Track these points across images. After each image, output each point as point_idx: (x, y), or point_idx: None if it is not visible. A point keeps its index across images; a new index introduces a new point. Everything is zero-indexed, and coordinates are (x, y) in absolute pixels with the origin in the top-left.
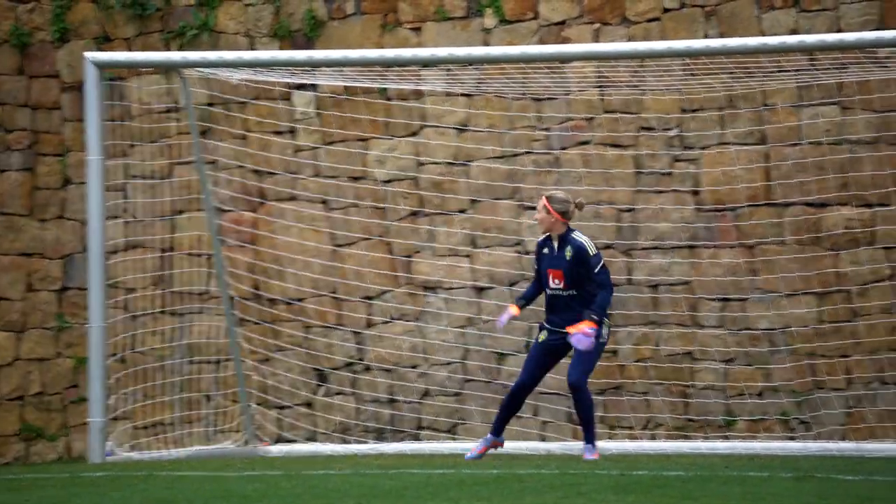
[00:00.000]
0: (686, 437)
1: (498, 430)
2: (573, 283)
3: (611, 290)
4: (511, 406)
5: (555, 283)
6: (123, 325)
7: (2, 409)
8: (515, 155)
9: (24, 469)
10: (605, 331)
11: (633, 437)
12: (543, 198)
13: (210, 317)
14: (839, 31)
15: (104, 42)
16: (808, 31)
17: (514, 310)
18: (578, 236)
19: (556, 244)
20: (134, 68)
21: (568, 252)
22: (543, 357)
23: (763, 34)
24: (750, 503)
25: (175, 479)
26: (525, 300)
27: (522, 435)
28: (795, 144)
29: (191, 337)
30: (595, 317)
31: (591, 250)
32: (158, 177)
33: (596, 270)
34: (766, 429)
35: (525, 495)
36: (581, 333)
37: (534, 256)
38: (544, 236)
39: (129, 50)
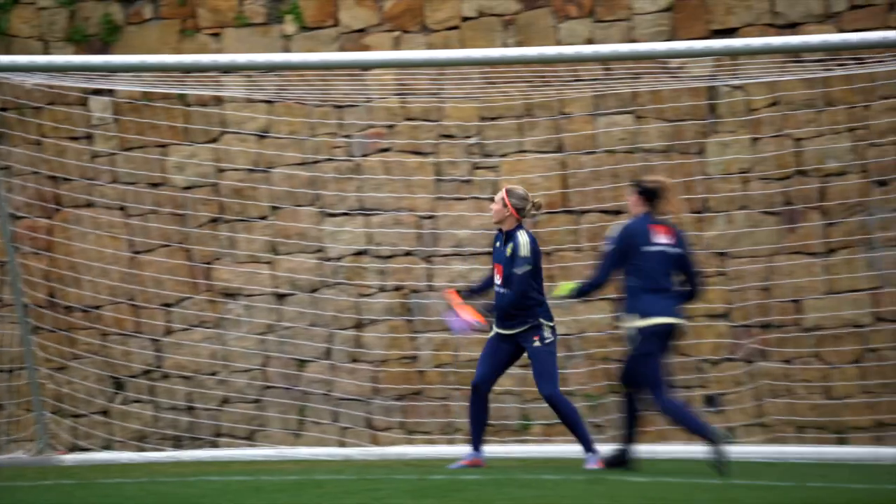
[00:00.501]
0: None
1: (476, 444)
2: (509, 282)
3: (517, 295)
4: (475, 410)
5: (496, 278)
6: None
7: None
8: (316, 162)
9: None
10: (547, 332)
11: (431, 442)
12: (504, 190)
13: (3, 325)
14: (633, 41)
15: None
16: (602, 42)
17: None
18: (522, 234)
19: (504, 238)
20: None
21: (509, 248)
22: (495, 350)
23: (559, 44)
24: None
25: None
26: (471, 290)
27: (321, 441)
28: (591, 153)
29: None
30: (484, 311)
31: (522, 251)
32: None
33: (518, 271)
34: (561, 432)
35: (324, 500)
36: (460, 317)
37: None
38: (498, 230)
39: None
